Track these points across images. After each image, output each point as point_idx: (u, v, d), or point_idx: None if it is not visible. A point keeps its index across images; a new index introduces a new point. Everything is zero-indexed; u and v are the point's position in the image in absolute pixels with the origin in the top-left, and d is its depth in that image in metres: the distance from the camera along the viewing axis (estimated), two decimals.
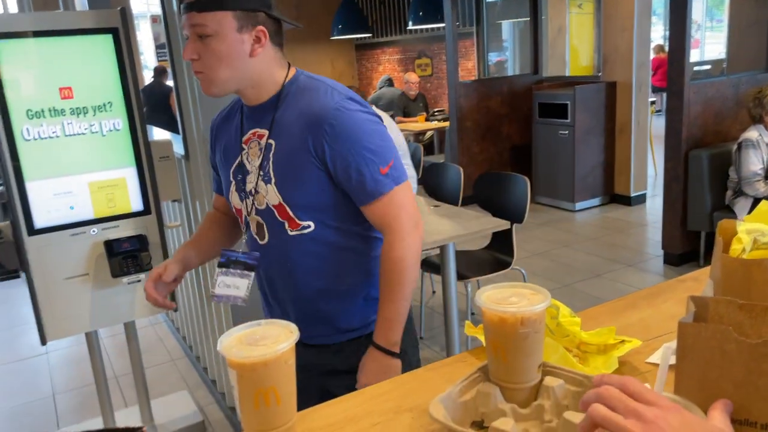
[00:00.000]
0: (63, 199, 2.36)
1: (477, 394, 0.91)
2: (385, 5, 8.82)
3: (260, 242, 1.34)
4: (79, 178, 2.36)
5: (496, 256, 3.35)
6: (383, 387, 1.05)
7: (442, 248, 2.76)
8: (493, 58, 7.90)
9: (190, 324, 3.35)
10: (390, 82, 8.26)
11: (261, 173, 1.27)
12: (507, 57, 8.10)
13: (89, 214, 2.40)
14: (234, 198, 1.35)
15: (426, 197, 3.51)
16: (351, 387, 1.15)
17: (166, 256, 2.55)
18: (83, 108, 2.27)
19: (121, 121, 2.35)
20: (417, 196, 3.53)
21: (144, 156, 2.41)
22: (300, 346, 1.33)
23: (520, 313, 0.87)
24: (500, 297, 0.92)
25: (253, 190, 1.29)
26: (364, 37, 9.10)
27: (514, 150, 6.31)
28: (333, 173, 1.23)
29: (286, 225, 1.28)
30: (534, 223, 5.34)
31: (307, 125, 1.21)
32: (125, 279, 2.48)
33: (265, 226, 1.31)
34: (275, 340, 0.87)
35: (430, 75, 8.42)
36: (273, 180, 1.26)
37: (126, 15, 2.26)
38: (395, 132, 4.12)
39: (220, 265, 1.36)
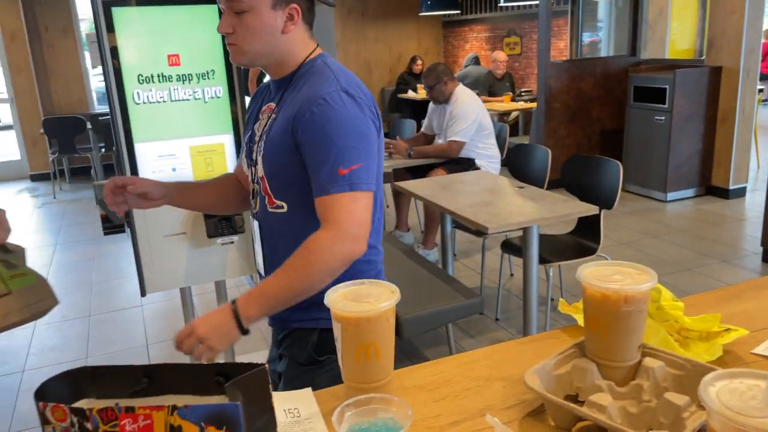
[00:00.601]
0: (166, 161, 2.50)
1: (573, 369, 0.91)
2: None
3: (253, 210, 1.38)
4: (182, 142, 2.49)
5: (580, 241, 3.27)
6: (475, 355, 1.07)
7: (526, 230, 2.72)
8: (586, 38, 7.60)
9: None
10: (476, 61, 8.12)
11: (261, 145, 1.30)
12: (601, 38, 7.78)
13: (189, 176, 2.53)
14: (243, 163, 1.42)
15: (510, 178, 3.46)
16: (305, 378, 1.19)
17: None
18: (188, 75, 2.39)
19: (221, 89, 2.45)
20: (500, 176, 3.49)
21: (241, 123, 2.51)
22: None
23: (623, 290, 0.86)
24: (603, 274, 0.91)
25: (255, 159, 1.33)
26: (453, 14, 8.97)
27: (604, 134, 6.08)
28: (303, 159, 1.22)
29: (266, 200, 1.30)
30: (622, 212, 5.15)
31: (297, 107, 1.21)
32: (219, 240, 2.62)
33: (258, 196, 1.34)
34: (378, 298, 0.90)
35: (518, 54, 8.22)
36: (262, 153, 1.29)
37: None
38: (480, 110, 4.09)
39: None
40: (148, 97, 2.36)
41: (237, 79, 2.46)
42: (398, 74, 8.82)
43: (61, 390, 0.67)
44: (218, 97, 2.45)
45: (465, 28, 9.17)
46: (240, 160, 1.49)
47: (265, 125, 1.31)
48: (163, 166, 2.50)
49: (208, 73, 2.42)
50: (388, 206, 5.32)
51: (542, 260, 2.98)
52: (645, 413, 0.84)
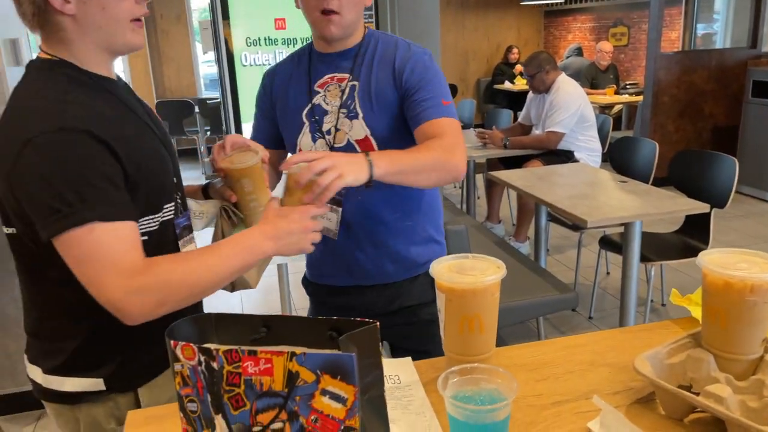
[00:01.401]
0: None
1: (687, 359, 0.87)
2: None
3: None
4: None
5: (686, 241, 3.09)
6: (579, 340, 1.04)
7: (627, 226, 2.61)
8: (700, 29, 7.13)
9: None
10: (579, 52, 7.83)
11: (344, 111, 1.34)
12: (716, 29, 7.27)
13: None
14: (304, 140, 1.38)
15: (612, 172, 3.32)
16: (433, 315, 1.14)
17: None
18: (293, 39, 2.45)
19: None
20: (601, 170, 3.36)
21: None
22: (357, 289, 1.38)
23: (750, 279, 0.81)
24: (727, 261, 0.86)
25: (332, 129, 1.35)
26: (556, 3, 8.68)
27: (717, 131, 5.69)
28: (404, 98, 1.32)
29: None
30: (733, 214, 4.81)
31: (396, 65, 1.33)
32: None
33: None
34: (483, 271, 0.90)
35: (625, 45, 7.84)
36: (360, 115, 1.34)
37: None
38: (583, 101, 3.94)
39: None
40: (254, 59, 2.43)
41: None
42: (495, 65, 8.68)
43: (188, 332, 0.72)
44: None
45: (568, 18, 8.86)
46: (298, 138, 1.41)
47: (343, 93, 1.34)
48: None
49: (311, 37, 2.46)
50: (479, 197, 5.26)
51: (643, 258, 2.84)
52: (767, 410, 0.79)
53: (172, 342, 0.67)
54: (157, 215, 1.03)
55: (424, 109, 1.29)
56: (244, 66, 2.43)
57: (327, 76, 1.37)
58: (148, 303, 0.91)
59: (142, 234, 0.98)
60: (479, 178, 5.21)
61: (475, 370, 0.78)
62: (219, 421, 0.67)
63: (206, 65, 8.34)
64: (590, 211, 2.51)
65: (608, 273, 3.88)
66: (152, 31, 7.74)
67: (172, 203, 1.07)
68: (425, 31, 2.30)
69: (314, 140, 1.37)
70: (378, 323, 0.69)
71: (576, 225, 3.34)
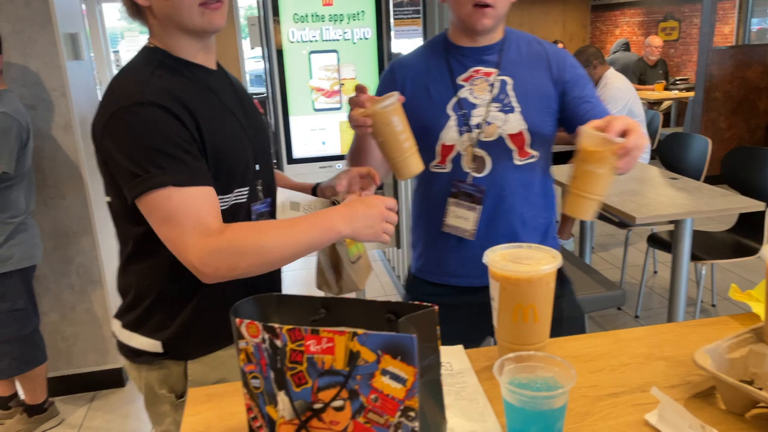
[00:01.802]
0: (317, 135, 2.63)
1: (749, 354, 0.85)
2: None
3: (476, 175, 1.37)
4: (332, 116, 2.61)
5: (739, 240, 2.99)
6: (634, 333, 1.03)
7: (677, 224, 2.54)
8: (754, 23, 6.88)
9: (407, 265, 3.56)
10: (626, 47, 7.65)
11: (497, 105, 1.34)
12: None
13: (337, 151, 2.65)
14: (449, 133, 1.35)
15: (662, 169, 3.24)
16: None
17: (396, 196, 2.73)
18: (339, 15, 2.45)
19: (370, 30, 2.48)
20: (650, 166, 3.28)
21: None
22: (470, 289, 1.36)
23: None
24: None
25: (482, 123, 1.34)
26: None
27: None
28: (564, 94, 1.35)
29: (515, 153, 1.35)
30: None
31: (547, 61, 1.36)
32: None
33: (487, 157, 1.36)
34: (539, 261, 0.90)
35: (675, 40, 7.62)
36: (518, 109, 1.34)
37: None
38: (632, 96, 3.85)
39: (451, 195, 1.39)
40: (301, 36, 2.44)
41: (385, 22, 2.47)
42: None
43: (251, 311, 0.74)
44: (366, 39, 2.50)
45: (616, 12, 8.66)
46: (441, 132, 1.37)
47: (493, 87, 1.35)
48: (315, 139, 2.64)
49: (358, 14, 2.46)
50: None
51: (694, 257, 2.77)
52: None
53: (237, 320, 0.69)
54: (226, 196, 1.05)
55: (593, 106, 1.33)
56: (291, 42, 2.42)
57: (471, 70, 1.36)
58: (222, 265, 0.94)
59: None
60: None
61: (531, 357, 0.78)
62: (282, 397, 0.69)
63: (253, 61, 8.47)
64: (639, 207, 2.46)
65: (656, 272, 3.79)
66: None
67: (246, 188, 1.10)
68: None
69: (461, 134, 1.35)
70: (437, 307, 0.70)
71: (623, 222, 3.28)
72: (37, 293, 2.49)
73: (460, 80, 1.37)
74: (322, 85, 2.57)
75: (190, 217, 0.94)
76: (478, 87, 1.36)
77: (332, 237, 1.01)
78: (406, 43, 3.37)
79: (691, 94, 5.69)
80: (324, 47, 2.48)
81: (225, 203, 1.05)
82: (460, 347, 1.00)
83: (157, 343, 1.09)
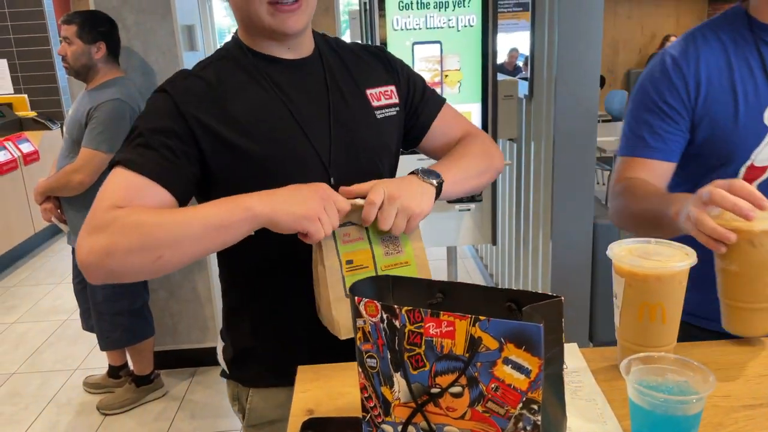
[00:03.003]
0: None
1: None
2: None
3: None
4: None
5: None
6: None
7: None
8: None
9: (500, 262, 3.48)
10: None
11: None
12: None
13: None
14: (764, 152, 1.04)
15: None
16: None
17: (494, 192, 2.66)
18: (444, 2, 2.40)
19: (475, 18, 2.42)
20: None
21: (490, 94, 2.51)
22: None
23: None
24: None
25: None
26: None
27: None
28: None
29: None
30: None
31: None
32: (457, 206, 2.68)
33: None
34: (669, 258, 0.83)
35: None
36: None
37: None
38: None
39: None
40: (405, 23, 2.42)
41: (492, 10, 2.40)
42: (649, 55, 8.11)
43: (368, 291, 0.73)
44: (471, 26, 2.44)
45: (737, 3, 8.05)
46: (757, 147, 1.07)
47: None
48: None
49: (463, 0, 2.40)
50: None
51: None
52: None
53: (356, 298, 0.69)
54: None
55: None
56: (395, 30, 2.41)
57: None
58: (96, 246, 0.80)
59: None
60: None
61: (662, 359, 0.72)
62: (398, 378, 0.67)
63: None
64: None
65: None
66: None
67: None
68: (587, 24, 2.19)
69: None
70: (563, 298, 0.66)
71: None
72: None
73: None
74: (424, 76, 2.54)
75: (104, 196, 0.84)
76: None
77: (242, 214, 0.81)
78: (506, 38, 3.29)
79: None
80: (428, 36, 2.45)
81: None
82: (574, 345, 0.95)
83: (224, 361, 1.10)
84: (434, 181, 0.96)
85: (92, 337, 2.65)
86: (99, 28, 2.28)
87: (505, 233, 3.33)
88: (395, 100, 1.09)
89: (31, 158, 4.57)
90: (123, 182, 0.86)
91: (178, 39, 2.54)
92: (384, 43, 2.44)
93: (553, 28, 2.28)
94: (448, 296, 0.73)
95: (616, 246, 0.87)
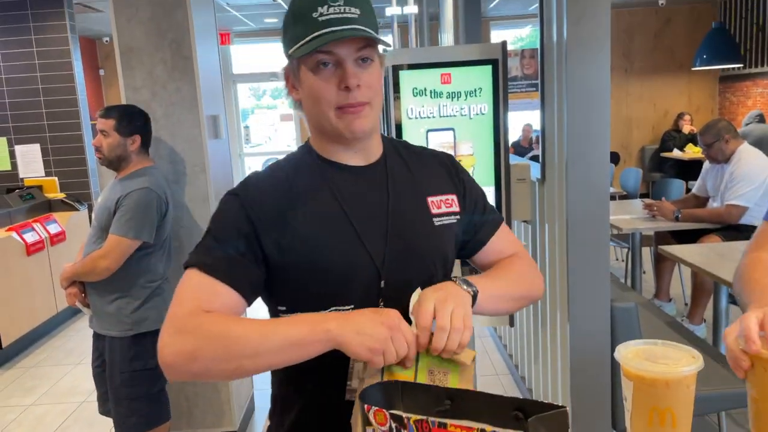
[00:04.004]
0: None
1: None
2: (765, 32, 7.73)
3: None
4: None
5: None
6: None
7: None
8: None
9: (519, 344, 3.44)
10: (760, 118, 7.19)
11: None
12: None
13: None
14: None
15: None
16: None
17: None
18: (457, 92, 2.49)
19: (487, 106, 2.50)
20: None
21: (503, 177, 2.57)
22: None
23: None
24: None
25: None
26: (732, 68, 8.11)
27: None
28: None
29: None
30: None
31: None
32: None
33: None
34: (677, 361, 0.84)
35: None
36: None
37: (505, 48, 2.45)
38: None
39: None
40: (420, 112, 2.51)
41: (503, 97, 2.49)
42: (662, 132, 8.23)
43: (377, 397, 0.75)
44: (483, 114, 2.52)
45: (747, 83, 8.21)
46: None
47: None
48: None
49: (475, 90, 2.49)
50: (645, 272, 4.91)
51: None
52: None
53: (365, 406, 0.70)
54: (315, 306, 0.95)
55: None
56: (409, 119, 2.50)
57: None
58: (182, 350, 0.85)
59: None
60: (646, 252, 4.88)
61: None
62: None
63: None
64: None
65: None
66: None
67: (350, 306, 0.96)
68: (593, 103, 2.26)
69: None
70: (567, 408, 0.67)
71: None
72: None
73: None
74: None
75: (183, 298, 0.90)
76: None
77: (320, 336, 0.84)
78: (519, 116, 3.38)
79: None
80: (441, 124, 2.55)
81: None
82: None
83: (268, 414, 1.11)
84: (470, 290, 0.95)
85: (108, 422, 2.64)
86: (136, 123, 2.40)
87: (522, 315, 3.30)
88: (456, 208, 1.10)
89: (57, 239, 4.70)
90: (197, 284, 0.93)
91: (203, 129, 2.67)
92: (399, 126, 2.54)
93: (561, 107, 2.35)
94: (456, 403, 0.74)
95: (623, 348, 0.88)
